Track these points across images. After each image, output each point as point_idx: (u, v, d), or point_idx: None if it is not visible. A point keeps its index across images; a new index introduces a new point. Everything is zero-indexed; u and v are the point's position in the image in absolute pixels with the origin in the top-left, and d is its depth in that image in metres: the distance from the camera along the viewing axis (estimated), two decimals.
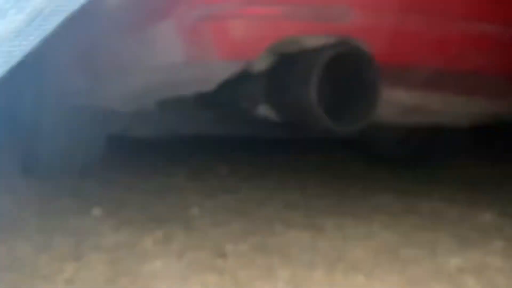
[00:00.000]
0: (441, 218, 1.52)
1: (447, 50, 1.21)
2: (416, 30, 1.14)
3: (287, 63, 1.15)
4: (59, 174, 1.82)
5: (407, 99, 1.42)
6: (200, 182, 1.95)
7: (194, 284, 0.96)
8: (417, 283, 1.01)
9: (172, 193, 1.75)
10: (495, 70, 1.32)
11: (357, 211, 1.56)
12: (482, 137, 2.55)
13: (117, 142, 2.00)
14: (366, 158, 2.66)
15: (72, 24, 1.46)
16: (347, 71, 1.17)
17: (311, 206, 1.61)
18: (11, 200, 1.53)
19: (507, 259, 1.14)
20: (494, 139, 2.85)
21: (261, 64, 1.33)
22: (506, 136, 2.66)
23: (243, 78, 1.37)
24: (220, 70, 1.17)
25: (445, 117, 1.71)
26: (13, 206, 1.46)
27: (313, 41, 1.15)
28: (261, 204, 1.61)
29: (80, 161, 1.84)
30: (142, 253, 1.13)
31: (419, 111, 1.54)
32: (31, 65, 1.80)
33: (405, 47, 1.18)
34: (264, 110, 1.44)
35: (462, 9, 1.17)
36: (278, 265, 1.08)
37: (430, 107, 1.51)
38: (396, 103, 1.44)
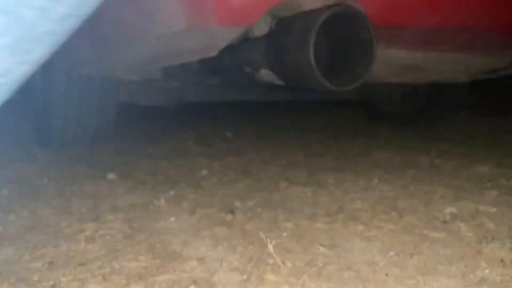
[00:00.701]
0: (439, 171, 1.59)
1: (440, 7, 1.23)
2: None
3: (285, 26, 1.18)
4: (74, 143, 1.90)
5: (404, 58, 1.46)
6: (208, 146, 2.03)
7: (205, 237, 1.05)
8: (412, 230, 1.08)
9: (181, 157, 1.82)
10: (489, 25, 1.34)
11: (357, 167, 1.63)
12: (483, 92, 2.58)
13: (128, 111, 2.07)
14: (367, 117, 2.71)
15: None
16: (344, 32, 1.21)
17: (314, 164, 1.68)
18: (31, 169, 1.62)
19: (499, 206, 1.21)
20: (496, 94, 2.88)
21: (260, 28, 1.37)
22: (508, 91, 2.70)
23: (244, 43, 1.41)
24: (221, 36, 1.21)
25: (442, 74, 1.74)
26: (33, 174, 1.55)
27: (310, 3, 1.18)
28: (266, 164, 1.69)
29: (93, 130, 1.91)
30: (156, 212, 1.21)
31: (416, 69, 1.58)
32: None
33: (398, 6, 1.20)
34: (265, 74, 1.49)
35: None
36: (282, 218, 1.16)
37: (427, 64, 1.55)
38: (393, 62, 1.48)
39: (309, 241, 1.02)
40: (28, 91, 2.02)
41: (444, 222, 1.13)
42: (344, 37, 1.21)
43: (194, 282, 0.83)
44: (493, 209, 1.18)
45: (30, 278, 0.85)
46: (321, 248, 0.98)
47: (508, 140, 2.16)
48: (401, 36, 1.34)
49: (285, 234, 1.06)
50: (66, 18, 0.25)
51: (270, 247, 0.95)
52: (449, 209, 1.18)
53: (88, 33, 1.54)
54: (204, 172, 1.59)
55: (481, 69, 1.74)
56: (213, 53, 1.32)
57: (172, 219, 1.16)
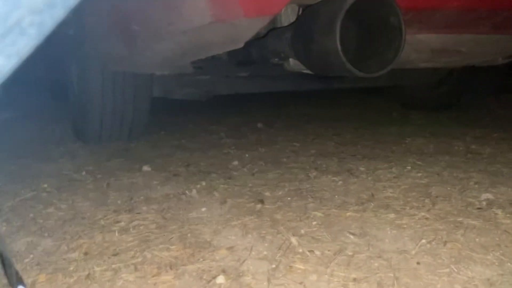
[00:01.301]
0: (474, 157, 1.54)
1: None
2: None
3: (311, 14, 1.17)
4: (111, 138, 1.96)
5: (435, 42, 1.42)
6: (239, 138, 2.04)
7: (235, 226, 1.06)
8: (446, 217, 1.06)
9: (214, 148, 1.85)
10: None
11: (390, 154, 1.60)
12: None
13: (161, 105, 2.11)
14: (400, 104, 2.66)
15: None
16: (372, 17, 1.18)
17: (345, 153, 1.67)
18: (69, 164, 1.68)
19: None
20: None
21: (287, 17, 1.36)
22: None
23: (270, 33, 1.41)
24: (246, 27, 1.21)
25: (477, 57, 1.68)
26: (71, 169, 1.61)
27: None
28: (296, 154, 1.69)
29: (129, 124, 1.96)
30: (188, 202, 1.24)
31: (448, 53, 1.53)
32: (74, 38, 1.91)
33: None
34: (294, 64, 1.48)
35: None
36: (312, 207, 1.15)
37: (460, 48, 1.50)
38: (423, 47, 1.44)
39: (338, 230, 1.01)
40: (66, 88, 2.10)
41: (480, 209, 1.10)
42: (372, 23, 1.19)
43: (224, 271, 0.85)
44: None
45: (66, 268, 0.89)
46: (351, 237, 0.98)
47: None
48: (432, 20, 1.30)
49: (314, 223, 1.06)
50: (48, 8, 0.26)
51: (299, 236, 0.95)
52: (485, 196, 1.15)
53: (119, 31, 1.59)
54: (235, 163, 1.61)
55: None
56: (240, 45, 1.32)
57: (203, 209, 1.18)
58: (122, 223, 1.11)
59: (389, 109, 2.72)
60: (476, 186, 1.23)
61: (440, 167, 1.43)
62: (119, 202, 1.27)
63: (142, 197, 1.30)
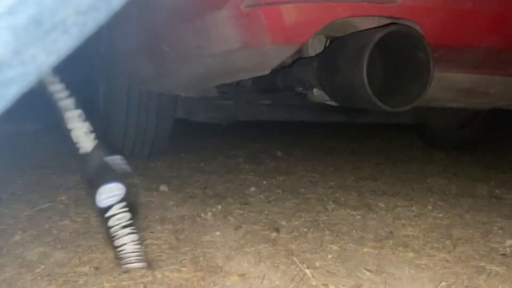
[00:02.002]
0: (498, 201, 1.49)
1: (504, 28, 1.18)
2: (470, 8, 1.12)
3: (339, 45, 1.18)
4: (132, 156, 1.98)
5: (464, 82, 1.40)
6: (258, 164, 2.03)
7: (248, 253, 1.04)
8: (467, 261, 1.02)
9: (231, 173, 1.84)
10: None
11: (410, 192, 1.57)
12: None
13: (183, 126, 2.13)
14: (422, 143, 2.62)
15: (137, 16, 1.58)
16: (400, 53, 1.18)
17: (364, 187, 1.64)
18: None
19: None
20: None
21: (314, 48, 1.37)
22: None
23: (296, 62, 1.42)
24: (274, 54, 1.22)
25: (505, 99, 1.65)
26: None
27: (365, 23, 1.16)
28: (314, 185, 1.67)
29: (150, 143, 1.98)
30: (202, 225, 1.22)
31: (477, 94, 1.51)
32: (104, 54, 1.96)
33: (458, 27, 1.16)
34: (318, 94, 1.48)
35: None
36: (328, 240, 1.13)
37: (490, 89, 1.48)
38: (451, 85, 1.42)
39: (355, 265, 0.98)
40: (91, 104, 2.14)
41: (504, 255, 1.06)
42: (400, 58, 1.19)
43: None
44: None
45: (76, 282, 0.88)
46: (367, 273, 0.95)
47: None
48: (461, 58, 1.29)
49: (330, 256, 1.03)
50: (92, 10, 0.26)
51: (314, 268, 0.93)
52: (509, 242, 1.11)
53: (148, 50, 1.62)
54: (252, 189, 1.60)
55: None
56: (266, 71, 1.33)
57: (217, 233, 1.16)
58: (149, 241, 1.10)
59: (410, 146, 2.69)
60: (500, 231, 1.19)
61: (462, 209, 1.39)
62: (134, 220, 1.26)
63: (157, 217, 1.29)
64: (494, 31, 1.20)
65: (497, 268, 0.97)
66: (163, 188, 1.59)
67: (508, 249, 1.08)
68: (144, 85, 1.81)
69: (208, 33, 1.27)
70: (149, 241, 1.10)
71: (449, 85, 1.44)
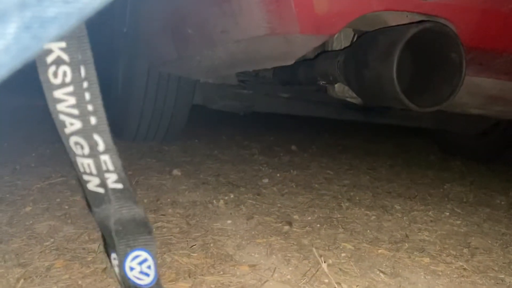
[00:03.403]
0: None
1: None
2: (508, 11, 1.07)
3: (369, 39, 1.14)
4: (147, 138, 1.96)
5: (492, 88, 1.35)
6: (272, 157, 2.01)
7: (259, 244, 1.02)
8: (486, 271, 0.98)
9: (245, 163, 1.82)
10: None
11: (427, 197, 1.53)
12: None
13: (199, 113, 2.11)
14: (439, 149, 2.57)
15: None
16: (431, 51, 1.14)
17: (380, 188, 1.61)
18: None
19: None
20: None
21: (339, 41, 1.34)
22: None
23: (322, 55, 1.39)
24: (300, 44, 1.19)
25: None
26: None
27: (396, 18, 1.13)
28: (329, 182, 1.64)
29: (166, 127, 1.96)
30: (214, 212, 1.20)
31: (504, 101, 1.46)
32: (126, 35, 1.94)
33: (494, 29, 1.11)
34: (339, 90, 1.45)
35: None
36: (342, 238, 1.10)
37: None
38: (479, 91, 1.38)
39: (368, 265, 0.95)
40: (110, 84, 2.13)
41: None
42: (431, 57, 1.15)
43: None
44: None
45: (85, 258, 0.86)
46: (382, 275, 0.92)
47: None
48: (494, 63, 1.24)
49: (343, 254, 1.00)
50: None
51: (326, 265, 0.90)
52: None
53: (172, 32, 1.60)
54: (266, 180, 1.57)
55: None
56: (290, 61, 1.30)
57: (229, 221, 1.14)
58: None
59: (426, 151, 2.64)
60: None
61: (480, 218, 1.35)
62: (145, 201, 1.24)
63: (169, 200, 1.27)
64: None
65: None
66: (176, 172, 1.57)
67: None
68: (165, 67, 1.79)
69: (235, 17, 1.24)
70: (159, 224, 1.08)
71: (477, 91, 1.40)
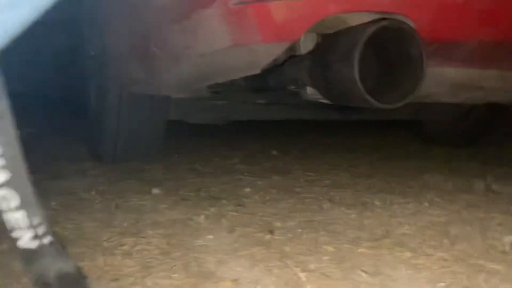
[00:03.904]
0: (496, 197, 1.47)
1: (497, 21, 1.16)
2: (463, 2, 1.10)
3: (330, 42, 1.15)
4: (124, 158, 1.95)
5: (458, 76, 1.38)
6: (253, 164, 2.01)
7: (241, 256, 1.02)
8: (466, 260, 1.00)
9: (226, 174, 1.82)
10: None
11: (407, 189, 1.55)
12: None
13: (177, 128, 2.10)
14: (419, 139, 2.60)
15: (126, 18, 1.55)
16: (392, 48, 1.16)
17: (360, 185, 1.62)
18: (80, 182, 1.67)
19: None
20: None
21: (305, 45, 1.35)
22: None
23: (288, 60, 1.39)
24: (264, 53, 1.20)
25: (502, 94, 1.63)
26: (81, 188, 1.59)
27: (356, 18, 1.14)
28: (310, 184, 1.64)
29: (143, 146, 1.95)
30: (195, 228, 1.20)
31: (472, 88, 1.49)
32: (95, 58, 1.93)
33: (451, 21, 1.13)
34: (311, 92, 1.46)
35: None
36: (324, 240, 1.11)
37: (484, 84, 1.45)
38: (445, 80, 1.40)
39: (350, 266, 0.96)
40: (83, 106, 2.11)
41: (503, 252, 1.04)
42: (392, 53, 1.16)
43: None
44: None
45: None
46: (363, 275, 0.92)
47: None
48: (455, 53, 1.27)
49: (325, 258, 1.01)
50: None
51: (308, 271, 0.91)
52: (508, 238, 1.08)
53: (138, 53, 1.60)
54: (247, 190, 1.57)
55: None
56: (257, 70, 1.31)
57: (210, 236, 1.14)
58: (126, 247, 1.07)
59: (407, 142, 2.66)
60: (499, 228, 1.17)
61: (459, 205, 1.37)
62: (125, 224, 1.24)
63: (149, 220, 1.26)
64: (487, 24, 1.17)
65: (496, 266, 0.95)
66: (155, 191, 1.56)
67: (507, 246, 1.06)
68: (136, 87, 1.78)
69: (196, 32, 1.25)
70: (139, 247, 1.08)
71: (442, 80, 1.42)
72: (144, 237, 1.13)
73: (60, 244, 0.60)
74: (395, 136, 2.81)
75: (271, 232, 1.16)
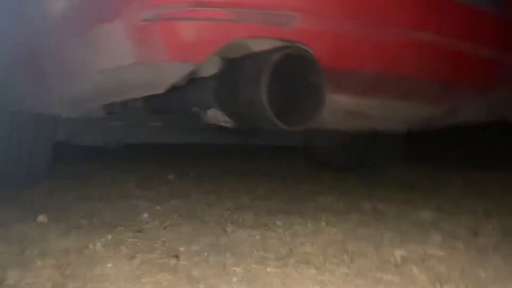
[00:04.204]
0: (382, 215, 1.60)
1: (384, 55, 1.28)
2: (355, 36, 1.20)
3: (237, 65, 1.17)
4: (4, 182, 1.74)
5: (349, 104, 1.49)
6: (150, 189, 1.93)
7: (147, 283, 0.96)
8: (365, 273, 1.05)
9: (121, 200, 1.72)
10: (429, 75, 1.41)
11: (303, 210, 1.61)
12: (418, 142, 2.72)
13: (64, 150, 1.94)
14: (310, 163, 2.75)
15: (12, 27, 1.42)
16: (294, 74, 1.22)
17: (260, 207, 1.65)
18: None
19: (446, 250, 1.22)
20: (430, 143, 3.04)
21: (209, 67, 1.35)
22: (441, 140, 2.86)
23: (193, 82, 1.38)
24: (169, 72, 1.17)
25: (384, 122, 1.80)
26: None
27: (259, 45, 1.18)
28: (211, 207, 1.63)
29: (25, 169, 1.76)
30: (91, 257, 1.10)
31: (359, 116, 1.62)
32: None
33: (346, 52, 1.23)
34: (212, 116, 1.46)
35: (397, 18, 1.25)
36: (231, 262, 1.09)
37: (370, 112, 1.59)
38: (338, 108, 1.51)
39: (260, 286, 0.96)
40: None
41: (396, 265, 1.12)
42: (295, 79, 1.22)
43: None
44: (441, 253, 1.19)
45: None
46: None
47: (443, 187, 2.26)
48: (347, 82, 1.37)
49: (234, 279, 0.99)
50: None
51: None
52: (399, 252, 1.18)
53: (25, 66, 1.46)
54: (145, 215, 1.50)
55: (419, 118, 1.82)
56: (160, 90, 1.27)
57: (109, 265, 1.06)
58: (11, 281, 0.94)
59: (298, 167, 2.80)
60: (389, 243, 1.26)
61: (352, 224, 1.46)
62: (7, 256, 1.09)
63: (36, 251, 1.13)
64: (375, 57, 1.30)
65: (392, 278, 1.02)
66: (41, 218, 1.41)
67: (398, 259, 1.15)
68: (20, 105, 1.61)
69: (96, 47, 1.18)
70: (28, 280, 0.95)
71: (336, 107, 1.52)
72: (32, 269, 1.01)
73: None
74: (287, 160, 2.94)
75: (176, 257, 1.11)
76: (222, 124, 1.50)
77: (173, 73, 1.20)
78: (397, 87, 1.46)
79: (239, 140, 2.26)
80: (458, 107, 1.71)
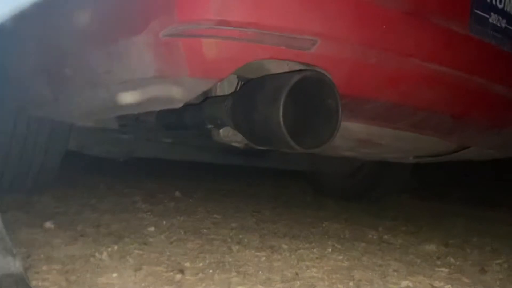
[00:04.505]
0: (388, 246, 1.59)
1: (401, 85, 1.30)
2: (373, 64, 1.22)
3: (256, 85, 1.19)
4: (12, 188, 1.74)
5: (361, 132, 1.50)
6: (156, 204, 1.93)
7: None
8: None
9: (127, 212, 1.72)
10: (443, 108, 1.42)
11: (309, 235, 1.60)
12: (426, 174, 2.72)
13: (75, 159, 1.96)
14: (315, 189, 2.75)
15: (38, 34, 1.45)
16: (311, 97, 1.23)
17: (266, 229, 1.64)
18: None
19: (452, 284, 1.20)
20: (436, 176, 3.04)
21: (226, 86, 1.38)
22: (449, 173, 2.86)
23: (209, 100, 1.40)
24: (189, 87, 1.19)
25: (393, 152, 1.81)
26: None
27: (278, 66, 1.20)
28: (216, 226, 1.62)
29: (34, 176, 1.77)
30: (97, 266, 1.10)
31: (370, 144, 1.63)
32: None
33: (362, 79, 1.25)
34: (225, 135, 1.47)
35: (416, 50, 1.27)
36: (236, 281, 1.08)
37: (381, 141, 1.60)
38: (350, 135, 1.52)
39: None
40: None
41: None
42: (311, 102, 1.23)
43: None
44: (447, 286, 1.17)
45: None
46: None
47: (448, 222, 2.25)
48: (362, 109, 1.38)
49: None
50: None
51: None
52: (405, 283, 1.16)
53: (48, 72, 1.48)
54: (151, 229, 1.50)
55: (429, 151, 1.83)
56: (179, 104, 1.29)
57: (115, 274, 1.05)
58: None
59: (302, 192, 2.79)
60: (395, 273, 1.25)
61: (358, 252, 1.44)
62: None
63: (42, 256, 1.13)
64: (392, 87, 1.31)
65: None
66: (48, 224, 1.41)
67: None
68: (38, 110, 1.64)
69: (121, 58, 1.21)
70: (33, 283, 0.95)
71: (348, 134, 1.53)
72: (37, 273, 1.01)
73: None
74: (291, 186, 2.94)
75: (181, 271, 1.11)
76: (233, 143, 1.51)
77: (192, 88, 1.22)
78: (411, 118, 1.47)
79: (246, 162, 2.27)
80: (470, 142, 1.71)
